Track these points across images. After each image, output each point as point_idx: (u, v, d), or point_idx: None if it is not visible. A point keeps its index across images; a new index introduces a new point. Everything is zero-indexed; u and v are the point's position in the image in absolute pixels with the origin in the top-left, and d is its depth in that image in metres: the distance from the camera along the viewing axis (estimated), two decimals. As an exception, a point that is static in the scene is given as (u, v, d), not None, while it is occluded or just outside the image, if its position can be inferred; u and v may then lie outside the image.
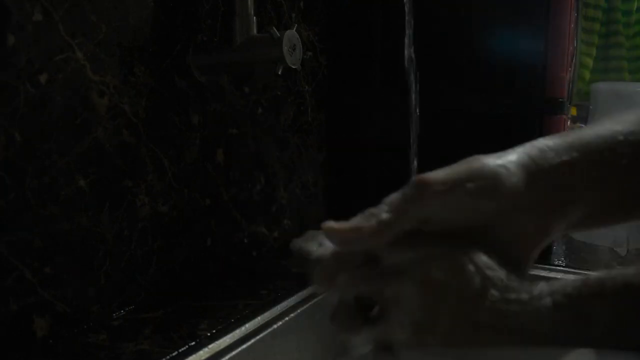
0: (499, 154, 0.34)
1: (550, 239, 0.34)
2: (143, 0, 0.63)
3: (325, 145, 1.00)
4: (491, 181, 0.32)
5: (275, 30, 0.66)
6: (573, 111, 1.36)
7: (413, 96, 0.78)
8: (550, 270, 0.79)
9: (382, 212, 0.32)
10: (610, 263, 0.84)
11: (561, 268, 0.80)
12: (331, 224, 0.33)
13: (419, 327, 0.31)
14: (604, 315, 0.30)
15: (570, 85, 0.89)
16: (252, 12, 0.68)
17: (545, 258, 0.84)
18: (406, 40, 0.74)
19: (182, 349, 0.54)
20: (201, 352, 0.54)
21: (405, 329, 0.31)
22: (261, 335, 0.60)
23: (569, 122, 0.92)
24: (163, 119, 0.67)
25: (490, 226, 0.32)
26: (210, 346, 0.55)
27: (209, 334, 0.57)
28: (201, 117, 0.72)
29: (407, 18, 0.71)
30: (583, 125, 1.49)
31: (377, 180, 0.99)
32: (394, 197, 0.32)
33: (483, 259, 0.31)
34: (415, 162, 0.80)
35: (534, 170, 0.33)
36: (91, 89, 0.58)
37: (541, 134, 0.86)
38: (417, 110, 0.78)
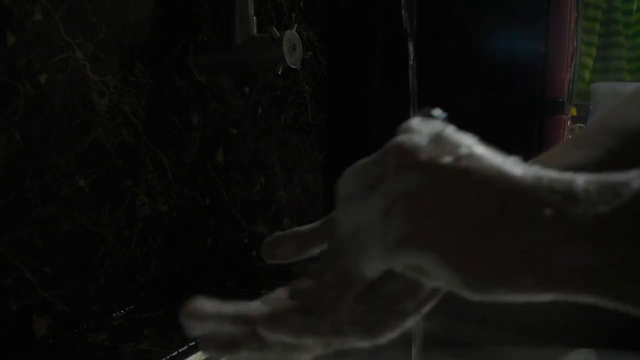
0: None
1: None
2: (143, 0, 0.63)
3: (325, 145, 1.00)
4: None
5: (275, 30, 0.66)
6: (573, 111, 1.36)
7: (413, 96, 0.78)
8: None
9: None
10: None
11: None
12: None
13: None
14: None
15: (570, 85, 0.89)
16: (252, 12, 0.68)
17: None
18: (409, 45, 0.74)
19: (182, 349, 0.54)
20: (201, 352, 0.54)
21: None
22: (261, 335, 0.60)
23: (569, 122, 0.92)
24: (163, 119, 0.67)
25: None
26: (210, 346, 0.55)
27: (209, 334, 0.57)
28: (201, 117, 0.72)
29: (405, 14, 0.71)
30: (583, 125, 1.49)
31: (377, 180, 0.99)
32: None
33: None
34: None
35: None
36: (91, 89, 0.58)
37: (541, 134, 0.86)
38: (417, 110, 0.78)
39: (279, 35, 0.65)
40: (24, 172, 0.52)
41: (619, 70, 1.56)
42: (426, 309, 0.30)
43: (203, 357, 0.54)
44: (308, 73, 0.93)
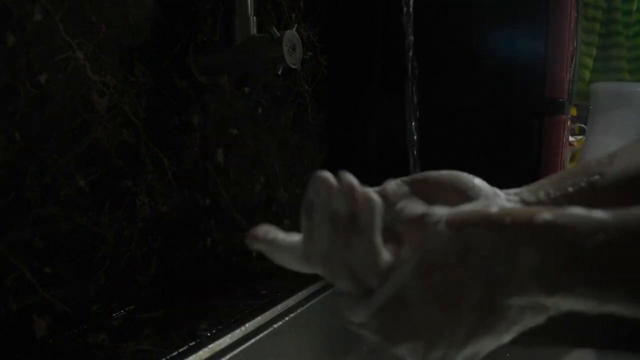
0: None
1: None
2: (143, 0, 0.63)
3: (325, 145, 1.00)
4: None
5: (275, 30, 0.66)
6: (573, 111, 1.36)
7: (412, 96, 0.78)
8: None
9: None
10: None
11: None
12: None
13: None
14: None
15: (570, 85, 0.90)
16: (252, 12, 0.68)
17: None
18: (406, 41, 0.75)
19: (182, 349, 0.54)
20: (201, 352, 0.54)
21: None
22: (261, 335, 0.60)
23: (569, 122, 0.92)
24: (163, 119, 0.67)
25: None
26: (210, 346, 0.55)
27: (209, 334, 0.57)
28: (201, 117, 0.72)
29: (405, 11, 0.71)
30: (583, 125, 1.49)
31: (377, 181, 0.99)
32: None
33: None
34: (412, 160, 0.80)
35: None
36: (91, 89, 0.58)
37: (541, 134, 0.86)
38: (417, 110, 0.78)
39: (279, 35, 0.65)
40: (24, 172, 0.52)
41: (619, 70, 1.56)
42: None
43: (203, 357, 0.54)
44: (308, 73, 0.93)
